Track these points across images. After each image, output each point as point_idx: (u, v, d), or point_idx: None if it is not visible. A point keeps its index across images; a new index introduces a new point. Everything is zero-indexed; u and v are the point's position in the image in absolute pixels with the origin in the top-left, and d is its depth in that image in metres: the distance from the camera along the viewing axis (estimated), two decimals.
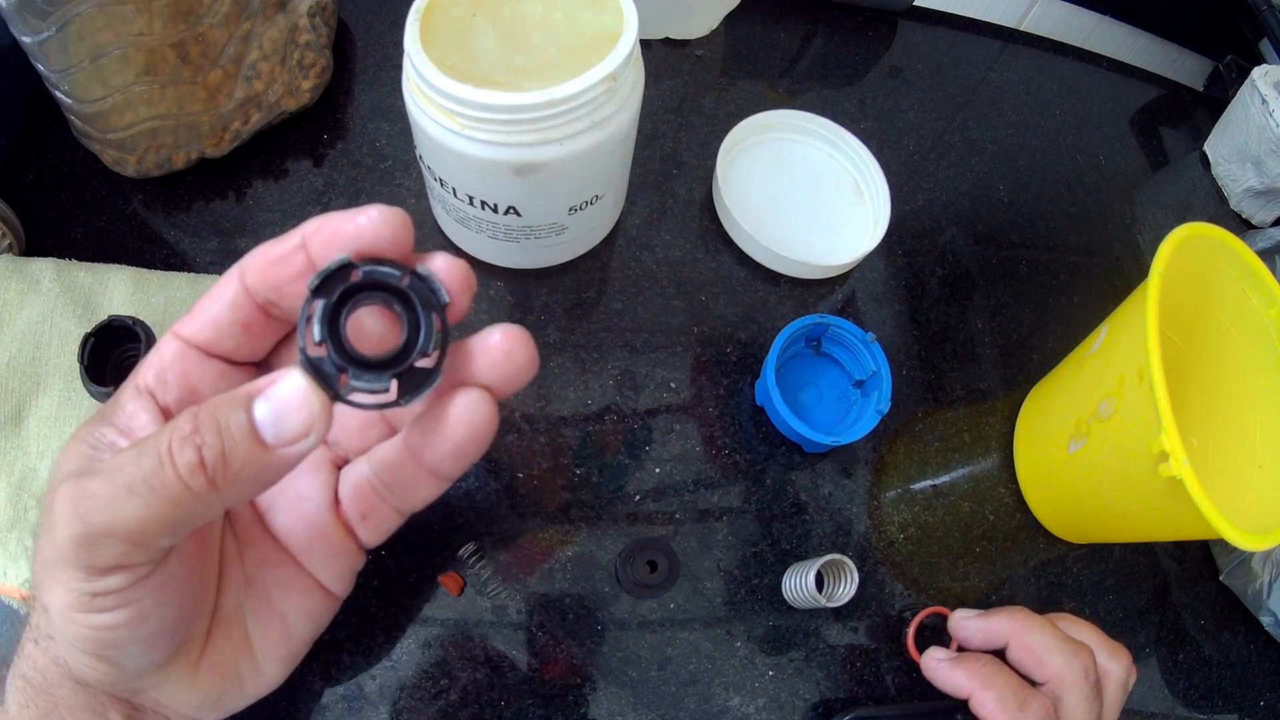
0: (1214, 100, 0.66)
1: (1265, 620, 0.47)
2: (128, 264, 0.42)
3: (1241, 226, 0.61)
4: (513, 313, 0.46)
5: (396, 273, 0.24)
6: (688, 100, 0.56)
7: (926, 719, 0.40)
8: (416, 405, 0.25)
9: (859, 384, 0.47)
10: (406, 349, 0.24)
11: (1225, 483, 0.42)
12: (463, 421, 0.25)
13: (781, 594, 0.42)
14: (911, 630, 0.42)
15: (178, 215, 0.46)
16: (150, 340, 0.38)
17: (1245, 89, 0.58)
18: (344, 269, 0.23)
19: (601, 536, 0.42)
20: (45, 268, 0.41)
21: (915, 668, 0.42)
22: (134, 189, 0.47)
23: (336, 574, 0.31)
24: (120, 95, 0.42)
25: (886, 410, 0.44)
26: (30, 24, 0.38)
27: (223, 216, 0.47)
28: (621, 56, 0.36)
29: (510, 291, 0.47)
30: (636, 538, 0.42)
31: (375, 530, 0.31)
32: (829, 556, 0.40)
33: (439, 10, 0.37)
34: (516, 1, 0.38)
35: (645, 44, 0.56)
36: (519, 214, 0.41)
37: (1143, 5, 0.66)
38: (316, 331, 0.23)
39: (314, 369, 0.23)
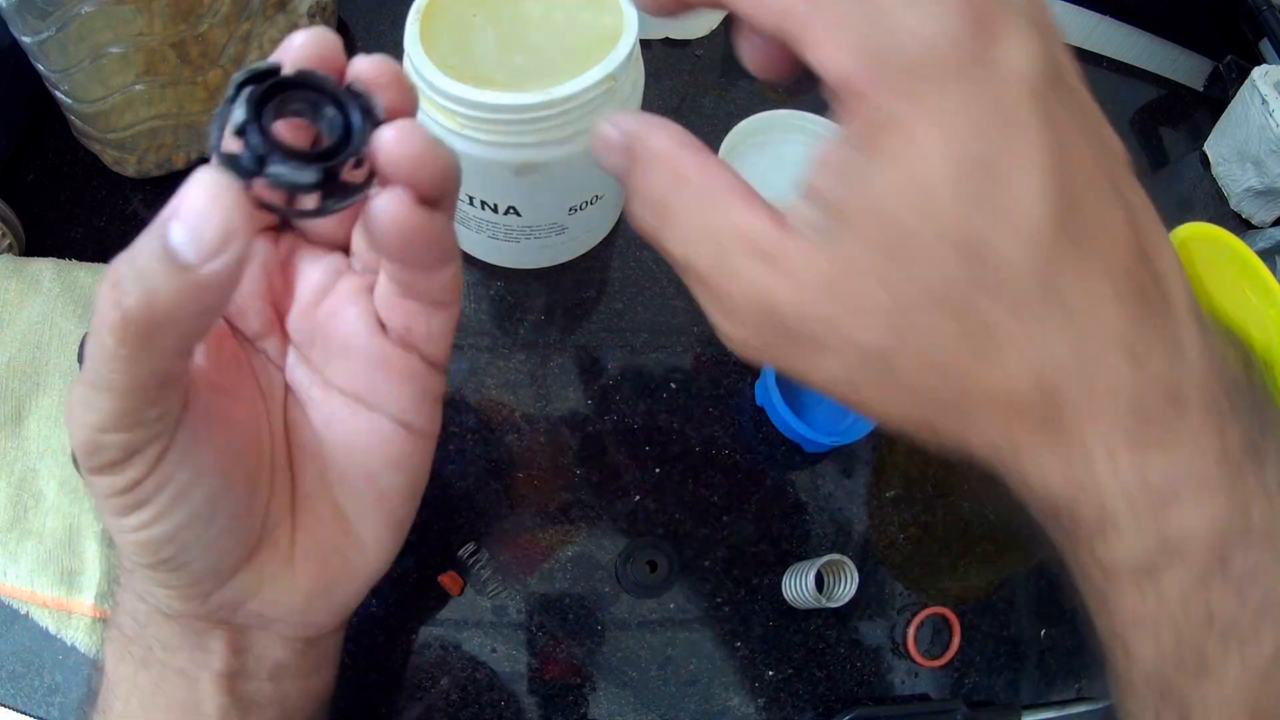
0: (1214, 100, 0.66)
1: None
2: None
3: (1241, 226, 0.61)
4: (512, 313, 0.46)
5: (329, 80, 0.22)
6: (688, 100, 0.56)
7: (926, 719, 0.40)
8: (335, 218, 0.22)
9: None
10: (334, 149, 0.21)
11: None
12: (391, 221, 0.23)
13: (781, 594, 0.42)
14: (912, 630, 0.42)
15: None
16: None
17: (1245, 89, 0.58)
18: (273, 72, 0.21)
19: (601, 536, 0.42)
20: (45, 268, 0.41)
21: (915, 668, 0.42)
22: (134, 189, 0.47)
23: (412, 403, 0.28)
24: (120, 95, 0.42)
25: None
26: (30, 24, 0.38)
27: None
28: (621, 57, 0.36)
29: (510, 291, 0.47)
30: (636, 538, 0.42)
31: (428, 338, 0.28)
32: (829, 556, 0.40)
33: (439, 10, 0.37)
34: (516, 1, 0.38)
35: (645, 44, 0.57)
36: (519, 214, 0.41)
37: (1143, 5, 0.66)
38: (239, 113, 0.20)
39: (233, 163, 0.20)
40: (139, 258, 0.20)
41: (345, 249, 0.28)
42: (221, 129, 0.20)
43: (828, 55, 0.20)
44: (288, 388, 0.29)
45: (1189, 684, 0.21)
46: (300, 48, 0.22)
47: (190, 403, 0.24)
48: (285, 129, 0.22)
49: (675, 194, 0.22)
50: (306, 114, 0.22)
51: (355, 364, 0.28)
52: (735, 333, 0.22)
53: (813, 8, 0.20)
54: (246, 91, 0.20)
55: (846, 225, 0.20)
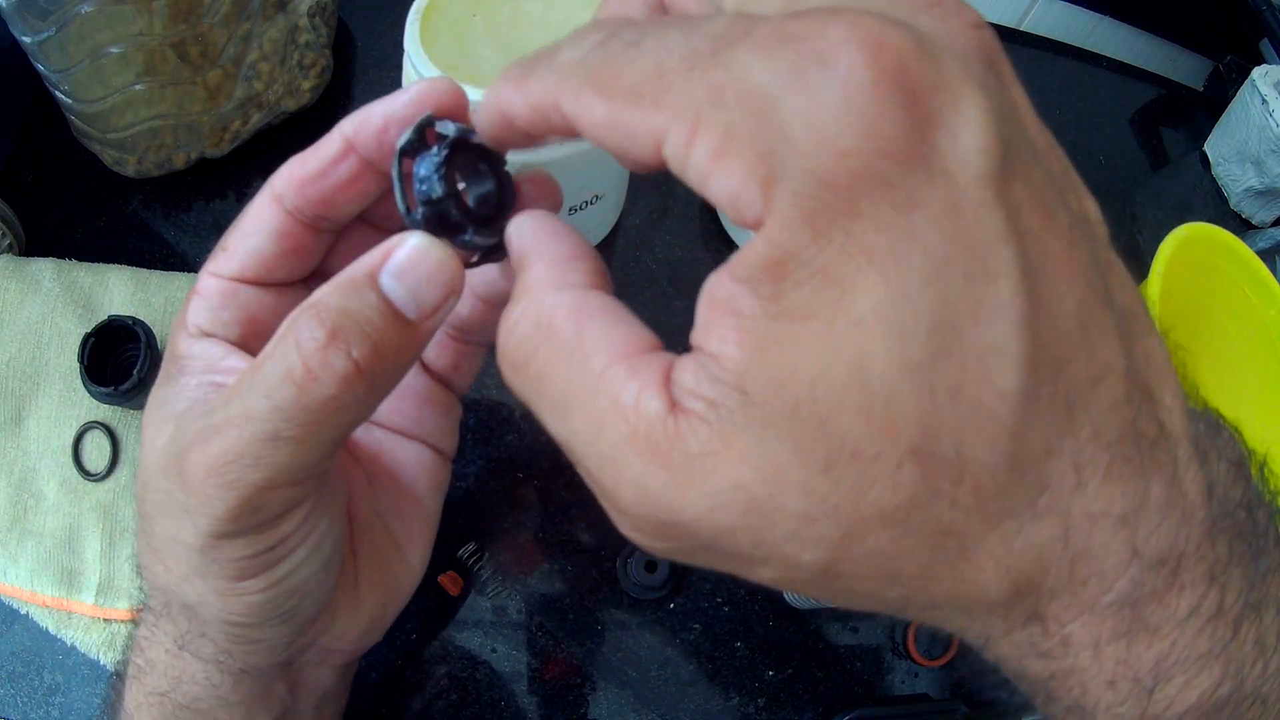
0: (1214, 100, 0.66)
1: None
2: (128, 264, 0.42)
3: (1241, 226, 0.61)
4: None
5: (472, 130, 0.22)
6: None
7: (926, 719, 0.40)
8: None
9: None
10: (503, 203, 0.22)
11: None
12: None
13: (781, 594, 0.42)
14: (911, 630, 0.42)
15: (178, 215, 0.46)
16: (150, 340, 0.38)
17: (1245, 89, 0.58)
18: (431, 123, 0.22)
19: (601, 536, 0.42)
20: (45, 268, 0.41)
21: (915, 668, 0.42)
22: (134, 189, 0.47)
23: (448, 430, 0.30)
24: (120, 95, 0.42)
25: None
26: (30, 24, 0.38)
27: (223, 216, 0.47)
28: None
29: None
30: None
31: (467, 375, 0.30)
32: None
33: (439, 10, 0.37)
34: (516, 1, 0.38)
35: None
36: None
37: (1143, 5, 0.66)
38: (440, 187, 0.20)
39: (432, 226, 0.21)
40: (355, 310, 0.20)
41: None
42: (405, 193, 0.21)
43: (714, 181, 0.15)
44: None
45: None
46: (432, 96, 0.22)
47: None
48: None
49: (542, 347, 0.18)
50: (470, 178, 0.22)
51: (404, 401, 0.29)
52: (636, 537, 0.18)
53: (683, 120, 0.15)
54: (430, 159, 0.21)
55: (764, 420, 0.15)
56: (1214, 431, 0.19)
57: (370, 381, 0.20)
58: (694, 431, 0.16)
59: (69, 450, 0.39)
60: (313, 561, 0.23)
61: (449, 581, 0.40)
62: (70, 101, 0.42)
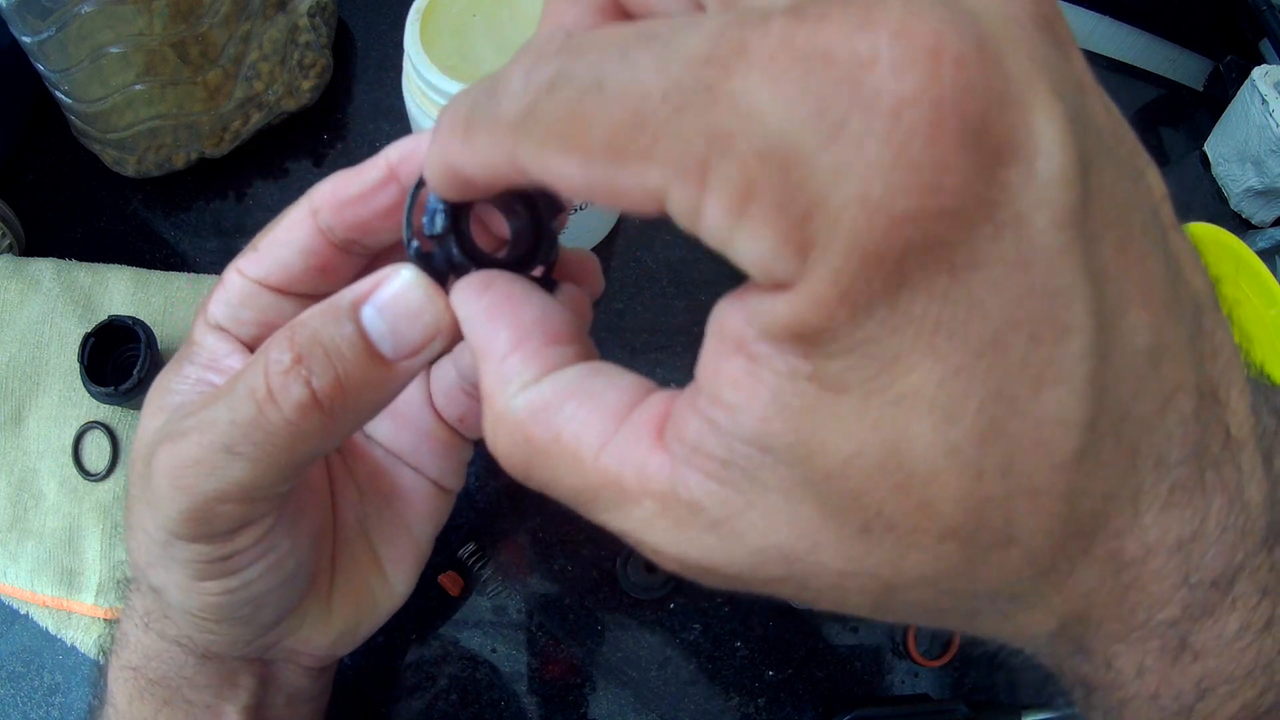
0: (1214, 100, 0.66)
1: None
2: (128, 264, 0.42)
3: (1241, 226, 0.61)
4: None
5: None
6: None
7: (926, 719, 0.40)
8: None
9: None
10: (530, 254, 0.20)
11: None
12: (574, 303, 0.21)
13: None
14: (911, 630, 0.42)
15: (178, 215, 0.46)
16: (150, 340, 0.38)
17: (1245, 89, 0.58)
18: None
19: (602, 537, 0.42)
20: (45, 268, 0.41)
21: (915, 668, 0.42)
22: (134, 189, 0.47)
23: (450, 469, 0.30)
24: (120, 95, 0.42)
25: None
26: (30, 24, 0.38)
27: (223, 216, 0.47)
28: None
29: None
30: None
31: (475, 427, 0.29)
32: None
33: (439, 10, 0.37)
34: (516, 2, 0.38)
35: None
36: None
37: (1143, 5, 0.66)
38: (440, 222, 0.19)
39: (428, 263, 0.19)
40: (326, 339, 0.19)
41: None
42: (411, 223, 0.20)
43: (738, 245, 0.13)
44: None
45: None
46: None
47: None
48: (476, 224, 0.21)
49: (531, 460, 0.17)
50: (499, 209, 0.21)
51: (404, 430, 0.29)
52: (698, 580, 0.17)
53: (686, 177, 0.13)
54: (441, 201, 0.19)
55: (792, 482, 0.14)
56: (1276, 417, 0.17)
57: (329, 414, 0.19)
58: (708, 495, 0.15)
59: (69, 450, 0.39)
60: (270, 578, 0.23)
61: (449, 581, 0.40)
62: (70, 101, 0.42)
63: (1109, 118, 0.15)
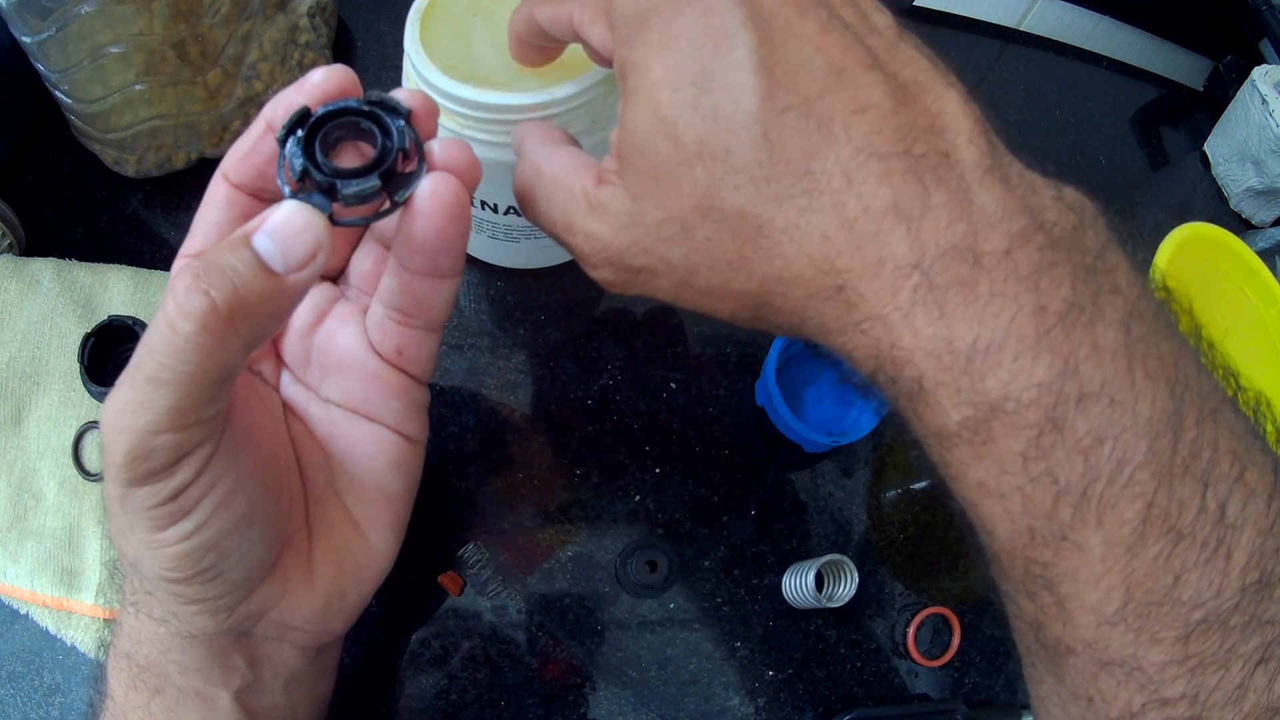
0: (1214, 100, 0.66)
1: None
2: (128, 264, 0.42)
3: (1241, 226, 0.61)
4: (513, 313, 0.46)
5: (354, 102, 0.25)
6: None
7: (926, 719, 0.40)
8: (404, 208, 0.25)
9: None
10: (385, 152, 0.25)
11: None
12: (432, 195, 0.25)
13: (781, 594, 0.42)
14: (911, 630, 0.42)
15: (178, 215, 0.46)
16: None
17: (1245, 89, 0.58)
18: (306, 113, 0.25)
19: (601, 536, 0.42)
20: (45, 268, 0.41)
21: (915, 668, 0.42)
22: (134, 189, 0.47)
23: (404, 413, 0.31)
24: (120, 95, 0.42)
25: (887, 410, 0.44)
26: (30, 24, 0.38)
27: None
28: None
29: (510, 291, 0.47)
30: (636, 538, 0.42)
31: (417, 360, 0.30)
32: (829, 556, 0.40)
33: (439, 10, 0.37)
34: (516, 1, 0.38)
35: None
36: (519, 214, 0.41)
37: (1143, 5, 0.66)
38: (297, 162, 0.23)
39: (310, 194, 0.24)
40: (224, 260, 0.22)
41: (333, 279, 0.31)
42: (284, 173, 0.24)
43: (592, 37, 0.27)
44: (285, 406, 0.31)
45: (1050, 557, 0.20)
46: (322, 83, 0.25)
47: (229, 411, 0.25)
48: (337, 153, 0.26)
49: (536, 181, 0.27)
50: (349, 135, 0.25)
51: (351, 380, 0.30)
52: (598, 275, 0.26)
53: (583, 7, 0.27)
54: (293, 141, 0.24)
55: (627, 163, 0.24)
56: (1053, 191, 0.22)
57: (229, 322, 0.22)
58: (608, 189, 0.25)
59: (69, 450, 0.39)
60: (222, 517, 0.24)
61: (449, 581, 0.40)
62: (70, 101, 0.42)
63: None
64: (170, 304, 0.22)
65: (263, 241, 0.22)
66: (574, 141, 0.29)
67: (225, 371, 0.23)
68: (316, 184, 0.24)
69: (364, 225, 0.26)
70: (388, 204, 0.25)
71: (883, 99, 0.22)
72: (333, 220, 0.24)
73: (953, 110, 0.22)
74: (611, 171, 0.25)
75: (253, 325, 0.22)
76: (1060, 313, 0.20)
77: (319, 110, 0.25)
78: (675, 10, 0.23)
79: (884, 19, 0.24)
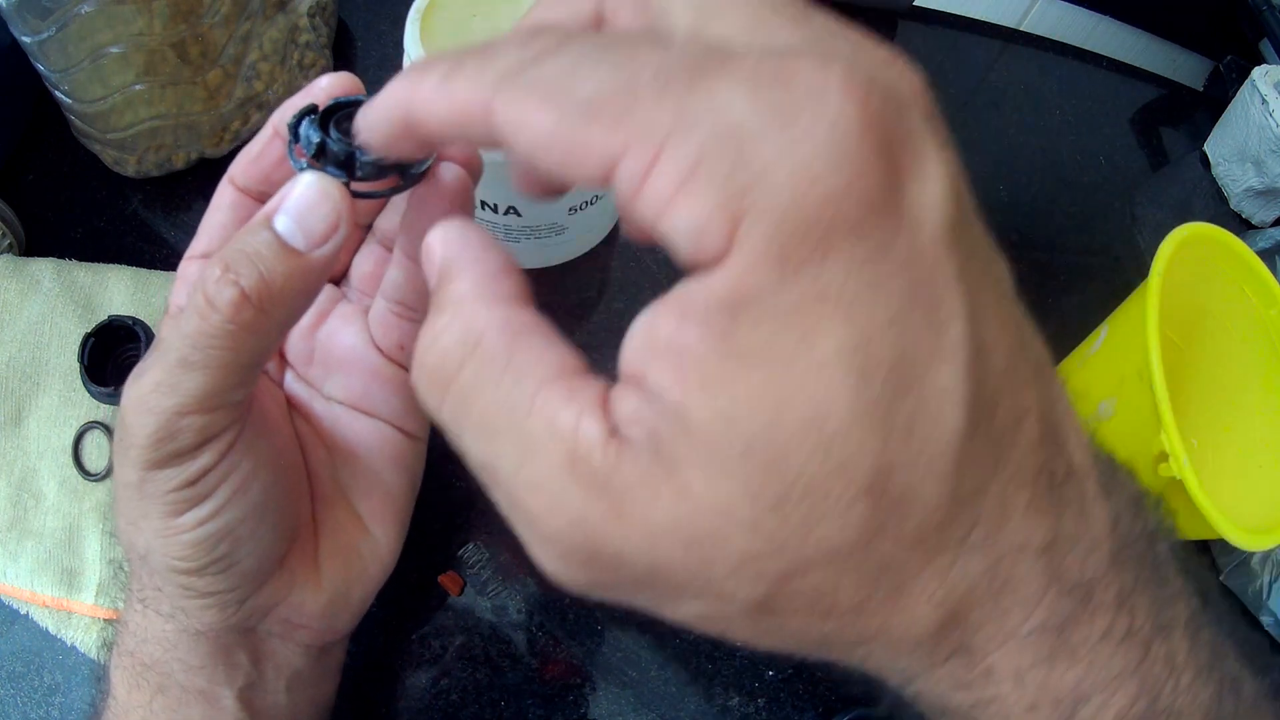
0: (1214, 100, 0.66)
1: (1265, 620, 0.47)
2: (128, 264, 0.42)
3: (1241, 226, 0.61)
4: None
5: (362, 98, 0.25)
6: None
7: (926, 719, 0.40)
8: (417, 189, 0.25)
9: None
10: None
11: (1225, 483, 0.42)
12: (445, 169, 0.25)
13: None
14: None
15: (178, 215, 0.46)
16: (150, 340, 0.38)
17: (1245, 89, 0.58)
18: (315, 107, 0.25)
19: None
20: (45, 268, 0.41)
21: None
22: (134, 189, 0.47)
23: (406, 409, 0.31)
24: (120, 95, 0.42)
25: None
26: (30, 24, 0.38)
27: None
28: None
29: None
30: None
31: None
32: None
33: (439, 10, 0.37)
34: (516, 2, 0.38)
35: None
36: (519, 214, 0.41)
37: (1143, 5, 0.66)
38: (314, 136, 0.23)
39: (324, 169, 0.23)
40: (247, 246, 0.22)
41: (335, 282, 0.32)
42: (296, 157, 0.24)
43: (675, 211, 0.14)
44: (289, 402, 0.31)
45: None
46: (329, 88, 0.25)
47: (250, 398, 0.25)
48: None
49: (468, 364, 0.17)
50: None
51: (353, 377, 0.30)
52: (557, 567, 0.17)
53: (647, 143, 0.14)
54: (306, 121, 0.24)
55: (709, 456, 0.15)
56: (1112, 469, 0.20)
57: (261, 309, 0.22)
58: (635, 460, 0.15)
59: (69, 450, 0.39)
60: (239, 503, 0.24)
61: (449, 581, 0.40)
62: (70, 101, 0.42)
63: (971, 199, 0.17)
64: (200, 294, 0.22)
65: (282, 221, 0.22)
66: (528, 292, 0.19)
67: (257, 355, 0.23)
68: (333, 156, 0.23)
69: (380, 198, 0.26)
70: (399, 181, 0.25)
71: (1034, 401, 0.17)
72: (351, 192, 0.24)
73: (1065, 401, 0.18)
74: (652, 438, 0.15)
75: (283, 307, 0.23)
76: (1146, 638, 0.18)
77: (329, 102, 0.25)
78: (858, 233, 0.14)
79: (1000, 262, 0.19)
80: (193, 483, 0.23)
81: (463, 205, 0.25)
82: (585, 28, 0.19)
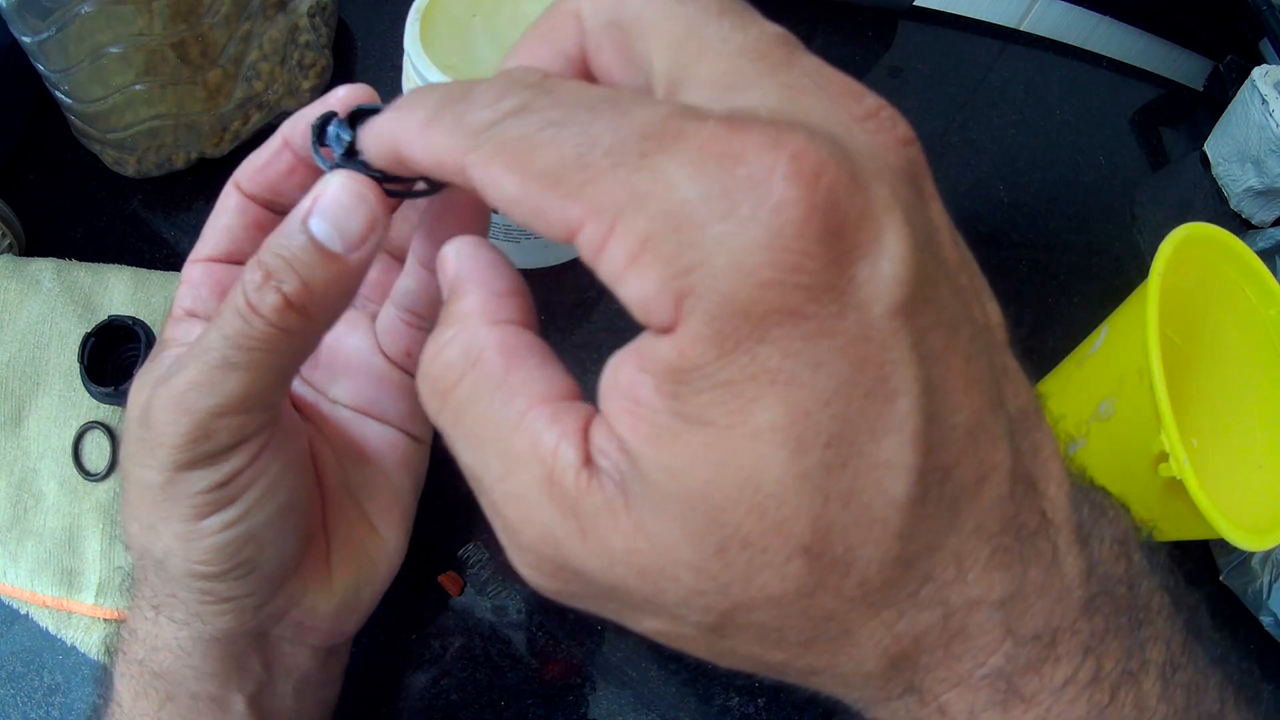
0: (1214, 100, 0.66)
1: (1265, 620, 0.47)
2: (128, 264, 0.42)
3: (1241, 226, 0.61)
4: None
5: (380, 105, 0.24)
6: None
7: None
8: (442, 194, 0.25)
9: None
10: None
11: (1225, 483, 0.42)
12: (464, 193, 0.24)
13: None
14: None
15: (178, 215, 0.46)
16: (150, 340, 0.38)
17: (1245, 89, 0.58)
18: (334, 113, 0.24)
19: None
20: (45, 268, 0.41)
21: None
22: (134, 189, 0.47)
23: (411, 413, 0.32)
24: (120, 95, 0.42)
25: None
26: (30, 24, 0.38)
27: None
28: None
29: None
30: None
31: None
32: None
33: (439, 10, 0.37)
34: (516, 2, 0.38)
35: None
36: None
37: (1143, 5, 0.66)
38: (345, 135, 0.22)
39: (349, 164, 0.23)
40: (285, 251, 0.22)
41: None
42: (319, 151, 0.23)
43: (627, 285, 0.16)
44: (297, 406, 0.31)
45: None
46: (346, 98, 0.25)
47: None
48: None
49: (467, 377, 0.18)
50: None
51: (360, 382, 0.31)
52: (529, 574, 0.19)
53: (600, 219, 0.15)
54: (336, 121, 0.23)
55: (659, 501, 0.16)
56: (1099, 513, 0.20)
57: (304, 313, 0.22)
58: (601, 488, 0.17)
59: (69, 450, 0.39)
60: (266, 506, 0.24)
61: (449, 581, 0.40)
62: (70, 101, 0.42)
63: (957, 252, 0.18)
64: (241, 297, 0.22)
65: (318, 225, 0.22)
66: (536, 324, 0.20)
67: (297, 357, 0.23)
68: (362, 161, 0.23)
69: (410, 198, 0.26)
70: (429, 183, 0.25)
71: (1004, 457, 0.17)
72: (385, 190, 0.23)
73: (1048, 449, 0.19)
74: (615, 475, 0.17)
75: (326, 310, 0.23)
76: (1114, 684, 0.18)
77: (351, 108, 0.25)
78: (820, 323, 0.15)
79: (994, 307, 0.19)
80: (223, 484, 0.23)
81: (480, 218, 0.25)
82: (568, 68, 0.20)
